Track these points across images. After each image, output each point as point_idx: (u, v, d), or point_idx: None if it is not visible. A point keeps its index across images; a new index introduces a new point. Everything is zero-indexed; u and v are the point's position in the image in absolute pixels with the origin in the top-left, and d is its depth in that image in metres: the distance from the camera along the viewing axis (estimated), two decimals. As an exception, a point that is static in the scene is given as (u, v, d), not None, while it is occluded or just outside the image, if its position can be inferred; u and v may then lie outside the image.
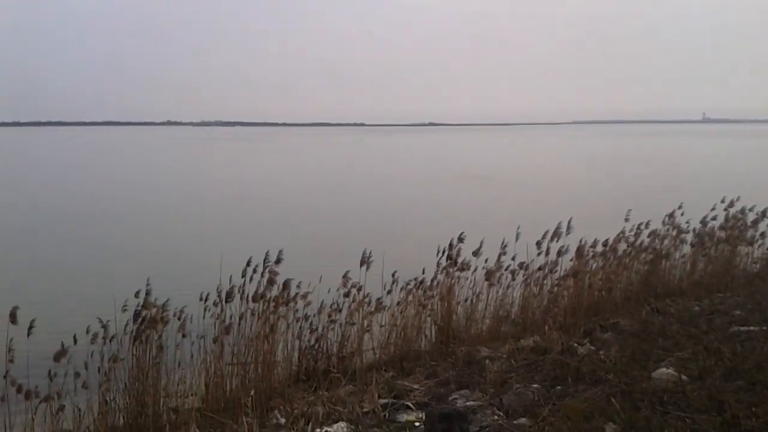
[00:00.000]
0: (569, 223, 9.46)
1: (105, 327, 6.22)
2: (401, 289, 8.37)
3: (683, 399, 4.73)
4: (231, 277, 7.04)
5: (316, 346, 7.73)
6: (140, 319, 6.31)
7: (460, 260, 8.71)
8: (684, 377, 5.24)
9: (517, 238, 8.96)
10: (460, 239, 8.70)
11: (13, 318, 5.57)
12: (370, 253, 7.90)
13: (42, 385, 5.89)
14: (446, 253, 8.67)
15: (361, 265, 7.81)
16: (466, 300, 8.85)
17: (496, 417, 5.36)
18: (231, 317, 7.01)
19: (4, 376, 5.65)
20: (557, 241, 9.29)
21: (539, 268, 9.29)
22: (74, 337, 5.99)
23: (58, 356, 5.89)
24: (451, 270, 8.64)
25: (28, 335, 5.70)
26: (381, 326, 8.21)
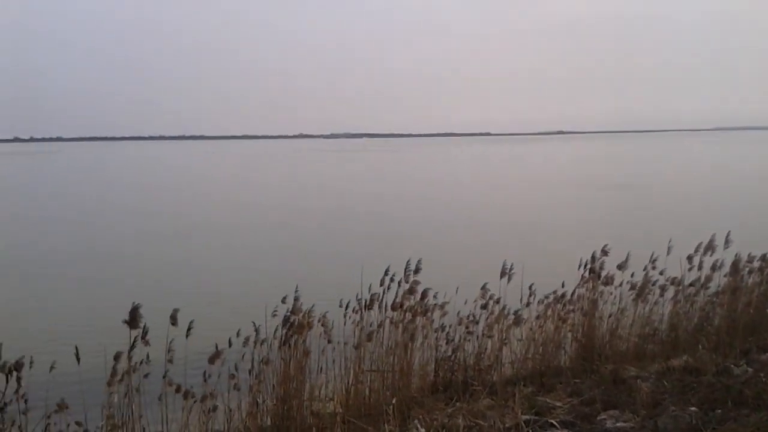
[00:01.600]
0: (727, 237, 8.81)
1: (257, 330, 6.49)
2: (539, 302, 8.15)
3: None
4: (370, 285, 7.16)
5: (453, 357, 7.68)
6: (288, 324, 6.53)
7: (603, 273, 8.36)
8: None
9: (668, 252, 8.49)
10: (604, 252, 8.35)
11: (173, 320, 5.91)
12: (511, 265, 7.75)
13: (196, 386, 6.23)
14: (588, 266, 8.35)
15: (501, 277, 7.68)
16: (609, 316, 8.47)
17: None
18: (370, 325, 7.12)
19: (163, 376, 6.02)
20: (711, 255, 8.69)
21: (691, 284, 8.73)
22: (229, 341, 6.31)
23: (213, 358, 6.21)
24: (594, 284, 8.30)
25: (187, 336, 6.04)
26: (519, 340, 8.03)
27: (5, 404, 5.60)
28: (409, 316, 7.18)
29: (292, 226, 27.49)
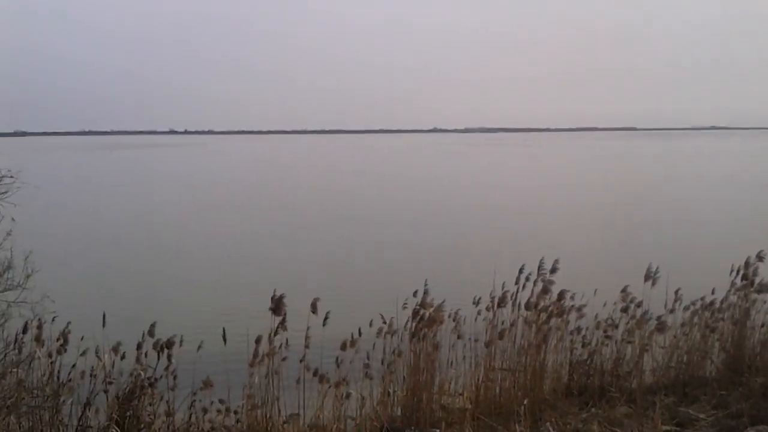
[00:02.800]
0: None
1: (388, 323, 6.62)
2: (685, 308, 7.68)
3: None
4: (504, 283, 7.06)
5: (589, 361, 7.41)
6: (418, 317, 6.59)
7: (757, 281, 7.74)
8: None
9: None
10: (759, 257, 7.72)
11: (314, 308, 6.15)
12: (657, 268, 7.35)
13: (331, 372, 6.45)
14: (741, 273, 7.75)
15: (645, 280, 7.30)
16: (762, 325, 7.84)
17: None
18: (503, 323, 7.02)
19: (301, 360, 6.28)
20: None
21: None
22: (359, 330, 6.49)
23: (345, 346, 6.42)
24: (746, 291, 7.70)
25: (324, 324, 6.26)
26: (661, 347, 7.61)
27: (156, 380, 6.10)
28: (543, 316, 7.00)
29: (428, 221, 27.73)
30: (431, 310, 6.64)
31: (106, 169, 75.46)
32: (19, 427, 5.42)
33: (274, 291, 6.10)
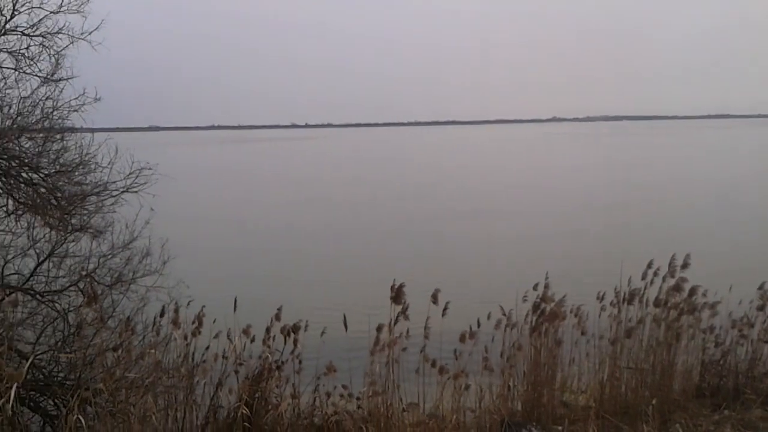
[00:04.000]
0: None
1: (507, 315, 6.53)
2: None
3: None
4: (630, 278, 6.80)
5: (722, 361, 7.02)
6: (539, 311, 6.48)
7: None
8: None
9: None
10: None
11: (434, 299, 6.18)
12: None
13: (449, 363, 6.44)
14: None
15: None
16: None
17: None
18: (629, 320, 6.77)
19: (421, 351, 6.31)
20: None
21: None
22: (477, 321, 6.44)
23: (464, 338, 6.39)
24: None
25: (443, 315, 6.26)
26: (802, 348, 7.08)
27: (282, 363, 6.33)
28: (674, 313, 6.68)
29: (553, 212, 27.17)
30: (552, 304, 6.50)
31: (237, 161, 78.55)
32: (156, 406, 5.76)
33: (394, 280, 6.16)
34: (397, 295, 6.04)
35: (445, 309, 6.30)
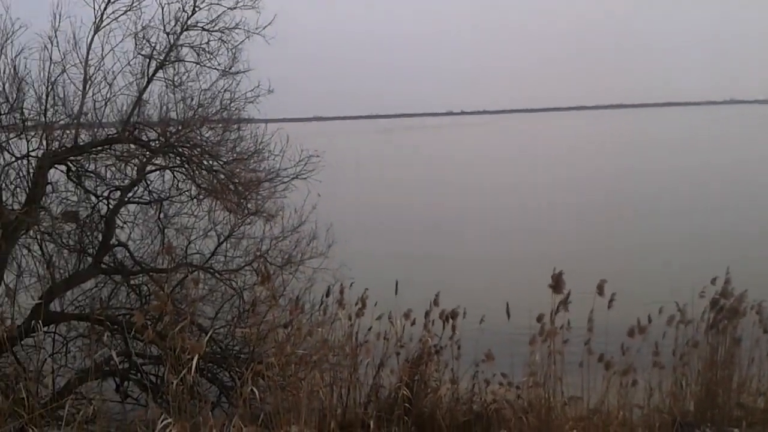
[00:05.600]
0: None
1: (681, 311, 6.15)
2: None
3: None
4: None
5: None
6: (718, 308, 6.05)
7: None
8: None
9: None
10: None
11: (600, 290, 5.94)
12: None
13: (615, 357, 6.17)
14: None
15: None
16: None
17: None
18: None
19: (585, 344, 6.10)
20: None
21: None
22: (648, 317, 6.10)
23: (633, 333, 6.08)
24: None
25: (609, 308, 6.00)
26: None
27: (441, 348, 6.40)
28: None
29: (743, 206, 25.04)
30: (732, 300, 6.04)
31: (397, 148, 79.10)
32: (322, 381, 6.03)
33: (554, 268, 5.99)
34: (557, 283, 5.87)
35: (610, 300, 6.04)
